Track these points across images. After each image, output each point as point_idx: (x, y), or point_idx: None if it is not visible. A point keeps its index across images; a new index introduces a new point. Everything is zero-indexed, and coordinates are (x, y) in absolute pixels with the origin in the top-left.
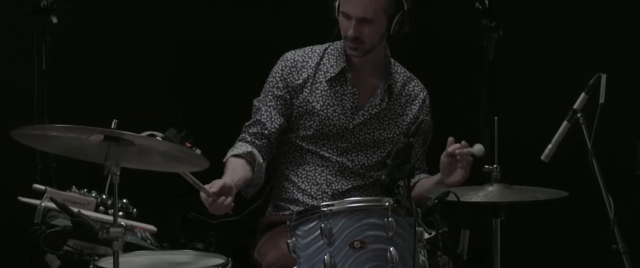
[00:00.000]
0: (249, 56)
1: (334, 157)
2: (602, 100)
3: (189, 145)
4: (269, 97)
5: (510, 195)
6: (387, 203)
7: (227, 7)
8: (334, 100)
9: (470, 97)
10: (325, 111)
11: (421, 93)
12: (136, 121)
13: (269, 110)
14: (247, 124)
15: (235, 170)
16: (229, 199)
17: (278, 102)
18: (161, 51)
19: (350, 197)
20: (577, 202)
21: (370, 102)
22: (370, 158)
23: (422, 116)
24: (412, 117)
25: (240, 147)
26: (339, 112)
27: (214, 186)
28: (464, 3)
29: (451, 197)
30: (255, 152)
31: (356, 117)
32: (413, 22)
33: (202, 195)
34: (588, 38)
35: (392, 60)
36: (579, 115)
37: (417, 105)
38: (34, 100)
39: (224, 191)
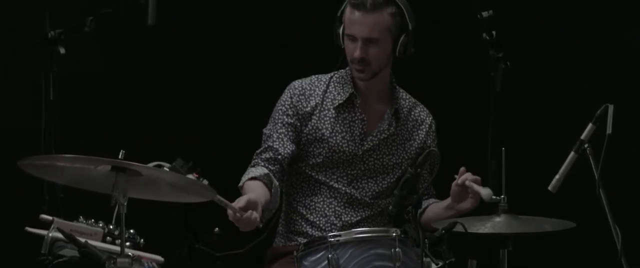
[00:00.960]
0: (255, 86)
1: (343, 188)
2: (609, 130)
3: (196, 175)
4: (279, 124)
5: (518, 226)
6: (394, 234)
7: (232, 39)
8: (342, 127)
9: (478, 128)
10: (334, 138)
11: (427, 118)
12: (143, 151)
13: (280, 136)
14: (258, 151)
15: (256, 191)
16: (255, 213)
17: (289, 129)
18: (168, 82)
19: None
20: (584, 233)
21: (378, 128)
22: (379, 184)
23: (429, 141)
24: (419, 142)
25: (256, 170)
26: (348, 138)
27: (240, 201)
28: (472, 34)
29: (458, 228)
30: (271, 174)
31: (365, 143)
32: (419, 51)
33: (230, 213)
34: (596, 68)
35: (397, 86)
36: (586, 145)
37: (424, 130)
38: (41, 130)
39: (250, 205)
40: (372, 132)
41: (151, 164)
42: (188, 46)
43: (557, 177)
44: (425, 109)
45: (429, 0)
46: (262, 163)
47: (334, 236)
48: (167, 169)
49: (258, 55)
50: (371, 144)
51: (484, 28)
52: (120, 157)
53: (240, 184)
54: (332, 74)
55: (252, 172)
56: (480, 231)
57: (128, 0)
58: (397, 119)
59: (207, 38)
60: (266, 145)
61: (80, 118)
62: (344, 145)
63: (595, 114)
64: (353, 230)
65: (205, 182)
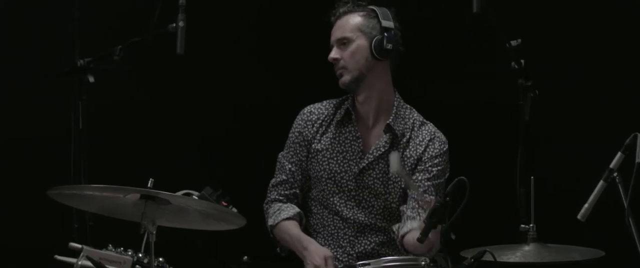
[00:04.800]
0: (284, 114)
1: (351, 216)
2: (638, 159)
3: (225, 203)
4: (291, 153)
5: (547, 255)
6: (423, 263)
7: (261, 67)
8: (342, 147)
9: (507, 156)
10: (335, 158)
11: (428, 136)
12: (172, 180)
13: (293, 167)
14: (275, 183)
15: (299, 232)
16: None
17: (298, 158)
18: (197, 110)
19: (376, 256)
20: (614, 262)
21: (375, 145)
22: (386, 202)
23: (425, 158)
24: (413, 160)
25: (288, 209)
26: (349, 157)
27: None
28: (500, 63)
29: (487, 257)
30: (301, 211)
31: (362, 160)
32: (449, 80)
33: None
34: (625, 97)
35: (408, 106)
36: (615, 174)
37: (422, 146)
38: (70, 159)
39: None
40: (369, 149)
41: (180, 192)
42: (217, 75)
43: (586, 205)
44: (434, 130)
45: (457, 29)
46: (283, 199)
47: (363, 264)
48: (196, 197)
49: (287, 84)
50: (368, 161)
51: (513, 57)
52: (149, 185)
53: (274, 223)
54: (344, 97)
55: (285, 211)
56: (510, 260)
57: (157, 29)
58: (393, 136)
59: (236, 67)
60: (281, 179)
61: (109, 147)
62: (345, 164)
63: (624, 142)
64: (382, 258)
65: (234, 209)
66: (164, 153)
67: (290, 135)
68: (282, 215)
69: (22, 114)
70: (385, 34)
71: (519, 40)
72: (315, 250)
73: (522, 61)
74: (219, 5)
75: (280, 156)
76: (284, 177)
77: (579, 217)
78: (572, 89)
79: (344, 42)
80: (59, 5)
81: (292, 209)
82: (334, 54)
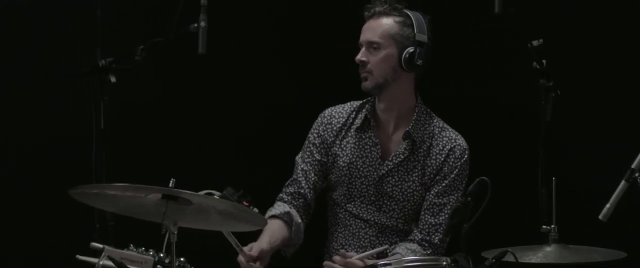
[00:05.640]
0: (306, 116)
1: (372, 218)
2: None
3: (247, 204)
4: (307, 153)
5: (568, 256)
6: (444, 263)
7: (283, 68)
8: (361, 152)
9: (528, 157)
10: (355, 163)
11: (449, 145)
12: (194, 180)
13: (305, 167)
14: (287, 182)
15: (274, 232)
16: (258, 264)
17: (314, 159)
18: (218, 110)
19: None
20: (636, 263)
21: (395, 152)
22: (404, 209)
23: (445, 168)
24: (433, 168)
25: (278, 208)
26: (368, 163)
27: (253, 250)
28: (521, 63)
29: (509, 257)
30: (293, 211)
31: (381, 167)
32: (470, 80)
33: (240, 258)
34: None
35: (429, 111)
36: (637, 174)
37: (442, 156)
38: (92, 159)
39: (260, 255)
40: (388, 156)
41: (202, 192)
42: (238, 75)
43: (608, 205)
44: (454, 136)
45: (479, 29)
46: (286, 198)
47: (384, 264)
48: (218, 197)
49: (307, 84)
50: (387, 168)
51: (535, 57)
52: (170, 185)
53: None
54: (365, 100)
55: (275, 209)
56: (532, 261)
57: (179, 29)
58: (412, 142)
59: (257, 67)
60: (292, 178)
61: (131, 146)
62: (364, 170)
63: None
64: (404, 258)
65: (256, 210)
66: (185, 153)
67: (308, 136)
68: (270, 213)
69: (42, 114)
70: (418, 49)
71: (541, 41)
72: (244, 251)
73: (544, 61)
74: (240, 5)
75: (296, 158)
76: (296, 187)
77: (600, 217)
78: (594, 88)
79: (374, 47)
80: (78, 5)
81: (281, 208)
82: (361, 56)
